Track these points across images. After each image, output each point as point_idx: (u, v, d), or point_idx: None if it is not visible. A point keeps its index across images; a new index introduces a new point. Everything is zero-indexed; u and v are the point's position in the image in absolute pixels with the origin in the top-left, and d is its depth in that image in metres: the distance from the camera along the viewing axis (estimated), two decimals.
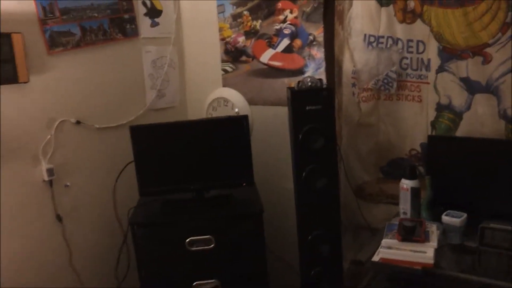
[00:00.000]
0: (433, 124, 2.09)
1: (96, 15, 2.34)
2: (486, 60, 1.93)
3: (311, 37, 2.36)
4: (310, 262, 2.09)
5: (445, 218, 1.77)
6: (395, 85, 2.13)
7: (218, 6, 2.63)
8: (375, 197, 2.31)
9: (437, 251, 1.64)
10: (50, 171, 2.17)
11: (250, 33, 2.55)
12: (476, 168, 1.90)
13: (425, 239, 1.67)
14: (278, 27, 2.45)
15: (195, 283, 2.12)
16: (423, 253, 1.62)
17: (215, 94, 2.71)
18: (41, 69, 2.14)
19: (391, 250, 1.66)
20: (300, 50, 2.40)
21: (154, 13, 2.63)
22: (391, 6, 2.10)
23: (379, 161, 2.28)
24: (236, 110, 2.62)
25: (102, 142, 2.41)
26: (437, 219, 1.83)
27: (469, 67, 1.97)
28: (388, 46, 2.13)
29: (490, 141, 1.91)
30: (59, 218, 2.23)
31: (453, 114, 2.03)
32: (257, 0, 2.49)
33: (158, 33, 2.66)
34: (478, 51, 1.94)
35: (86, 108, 2.33)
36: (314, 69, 2.37)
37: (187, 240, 2.08)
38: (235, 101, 2.63)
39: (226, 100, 2.66)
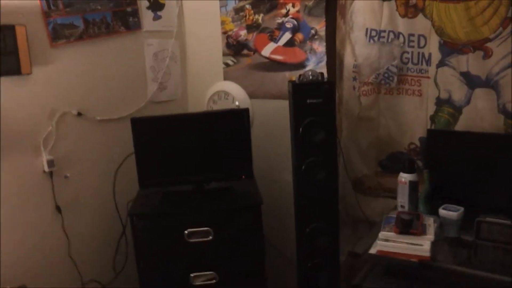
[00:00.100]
0: (433, 119, 2.09)
1: (99, 7, 2.35)
2: (487, 54, 1.92)
3: (313, 31, 2.36)
4: (308, 254, 2.10)
5: (442, 212, 1.77)
6: (395, 79, 2.13)
7: (221, 0, 2.64)
8: (373, 190, 2.31)
9: (434, 244, 1.64)
10: (50, 162, 2.19)
11: (252, 27, 2.56)
12: (474, 162, 1.90)
13: (422, 232, 1.67)
14: (280, 21, 2.45)
15: (192, 275, 2.13)
16: (420, 246, 1.62)
17: (216, 87, 2.72)
18: (44, 61, 2.15)
19: (388, 242, 1.66)
20: (302, 44, 2.41)
21: (156, 6, 2.64)
22: (393, 1, 2.10)
23: (378, 155, 2.28)
24: (237, 103, 2.62)
25: (103, 134, 2.42)
26: (434, 212, 1.84)
27: (469, 62, 1.97)
28: (390, 40, 2.13)
29: (489, 136, 1.91)
30: (58, 209, 2.25)
31: (452, 108, 2.03)
32: None
33: (160, 26, 2.67)
34: (479, 45, 1.93)
35: (88, 100, 2.35)
36: (316, 63, 2.37)
37: (186, 231, 2.09)
38: (236, 95, 2.63)
39: (227, 94, 2.67)
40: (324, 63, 2.35)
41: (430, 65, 2.07)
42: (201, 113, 2.54)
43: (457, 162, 1.94)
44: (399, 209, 1.96)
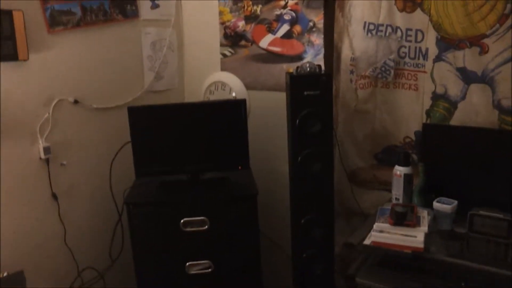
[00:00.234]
0: (428, 113, 2.11)
1: None
2: (483, 50, 1.94)
3: (311, 24, 2.37)
4: (302, 245, 2.12)
5: (436, 205, 1.80)
6: (392, 73, 2.15)
7: None
8: (368, 183, 2.33)
9: (428, 236, 1.67)
10: (47, 149, 2.18)
11: (250, 18, 2.56)
12: (468, 156, 1.93)
13: (416, 223, 1.70)
14: (278, 12, 2.46)
15: (188, 263, 2.15)
16: (414, 238, 1.64)
17: (213, 78, 2.72)
18: (41, 47, 2.14)
19: (382, 233, 1.69)
20: (300, 36, 2.41)
21: None
22: None
23: (374, 148, 2.30)
24: (234, 94, 2.63)
25: (99, 123, 2.42)
26: (428, 205, 1.87)
27: (466, 57, 1.99)
28: (387, 34, 2.14)
29: (483, 131, 1.93)
30: (54, 197, 2.25)
31: (448, 103, 2.06)
32: None
33: (158, 15, 2.66)
34: (476, 41, 1.95)
35: (84, 88, 2.34)
36: (313, 56, 2.38)
37: (182, 221, 2.10)
38: (233, 86, 2.64)
39: (223, 84, 2.67)
40: (321, 55, 2.36)
41: (427, 60, 2.09)
42: (199, 103, 2.55)
43: (451, 156, 1.97)
44: (394, 201, 1.99)
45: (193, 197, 2.19)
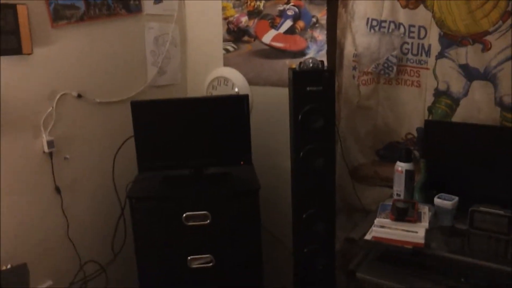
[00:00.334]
0: (431, 109, 2.12)
1: None
2: (486, 47, 1.95)
3: (314, 19, 2.37)
4: (304, 240, 2.13)
5: (437, 201, 1.81)
6: (395, 69, 2.15)
7: None
8: (370, 179, 2.34)
9: (428, 232, 1.68)
10: (50, 143, 2.19)
11: (253, 13, 2.56)
12: (470, 153, 1.93)
13: (417, 219, 1.71)
14: (281, 8, 2.46)
15: (190, 257, 2.16)
16: (415, 233, 1.65)
17: (215, 73, 2.73)
18: (45, 41, 2.14)
19: (383, 229, 1.70)
20: (303, 32, 2.42)
21: None
22: None
23: (376, 144, 2.31)
24: (236, 89, 2.63)
25: (102, 117, 2.43)
26: (429, 201, 1.87)
27: (468, 54, 1.99)
28: (390, 30, 2.15)
29: (485, 128, 1.94)
30: (58, 190, 2.26)
31: (450, 100, 2.06)
32: None
33: (161, 10, 2.66)
34: (478, 38, 1.96)
35: (88, 82, 2.35)
36: (316, 51, 2.39)
37: (184, 215, 2.12)
38: (236, 81, 2.65)
39: (226, 80, 2.68)
40: (324, 51, 2.36)
41: (429, 57, 2.09)
42: (202, 98, 2.56)
43: (453, 153, 1.97)
44: (395, 197, 2.00)
45: (195, 192, 2.20)
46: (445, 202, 1.78)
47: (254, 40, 2.59)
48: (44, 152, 2.19)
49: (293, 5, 2.42)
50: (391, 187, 2.06)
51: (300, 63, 2.06)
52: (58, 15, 2.19)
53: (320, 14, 2.35)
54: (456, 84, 2.04)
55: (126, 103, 2.27)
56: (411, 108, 2.17)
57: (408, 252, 1.64)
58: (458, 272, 1.62)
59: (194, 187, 2.24)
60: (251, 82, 2.63)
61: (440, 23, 2.03)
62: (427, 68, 2.10)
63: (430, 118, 2.12)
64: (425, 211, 1.79)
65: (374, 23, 2.18)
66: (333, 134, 2.07)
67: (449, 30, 2.02)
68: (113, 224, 2.47)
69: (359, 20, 2.22)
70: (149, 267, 2.18)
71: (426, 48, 2.09)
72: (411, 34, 2.12)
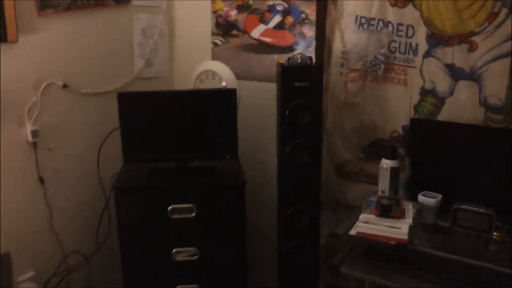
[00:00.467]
0: (416, 108, 2.14)
1: None
2: (472, 48, 1.97)
3: (303, 15, 2.37)
4: (288, 235, 2.15)
5: (421, 198, 1.83)
6: (382, 67, 2.17)
7: None
8: (355, 175, 2.36)
9: (412, 229, 1.71)
10: (34, 133, 2.16)
11: (243, 7, 2.56)
12: (454, 152, 1.96)
13: (401, 215, 1.74)
14: (271, 3, 2.46)
15: (174, 250, 2.16)
16: (398, 229, 1.68)
17: (203, 67, 2.71)
18: (31, 30, 2.11)
19: (368, 224, 1.72)
20: (292, 28, 2.42)
21: None
22: None
23: (362, 141, 2.33)
24: (224, 83, 2.63)
25: (87, 108, 2.40)
26: (413, 198, 1.90)
27: (454, 54, 2.02)
28: (379, 28, 2.16)
29: (470, 127, 1.97)
30: (41, 180, 2.23)
31: (436, 99, 2.09)
32: None
33: (149, 1, 2.64)
34: (465, 38, 1.98)
35: (74, 72, 2.32)
36: (304, 47, 2.39)
37: (169, 208, 2.11)
38: (223, 75, 2.64)
39: (214, 73, 2.67)
40: (313, 47, 2.37)
41: (416, 55, 2.11)
42: (189, 91, 2.55)
43: (437, 151, 2.00)
44: (380, 194, 2.02)
45: (181, 184, 2.20)
46: (429, 199, 1.81)
47: (243, 34, 2.59)
48: (28, 142, 2.16)
49: (283, 1, 2.42)
50: (376, 184, 2.08)
51: (289, 58, 2.06)
52: (45, 4, 2.16)
53: (310, 10, 2.35)
54: (442, 84, 2.06)
55: (112, 94, 2.25)
56: (397, 106, 2.19)
57: (391, 248, 1.67)
58: (439, 268, 1.65)
59: (180, 180, 2.24)
60: (239, 77, 2.63)
61: (428, 23, 2.06)
62: (414, 67, 2.13)
63: (415, 116, 2.14)
64: (409, 208, 1.81)
65: (363, 20, 2.19)
66: (320, 130, 2.09)
67: (437, 29, 2.04)
68: (98, 215, 2.46)
69: (348, 17, 2.23)
70: (133, 259, 2.18)
71: (414, 47, 2.11)
72: (399, 33, 2.14)
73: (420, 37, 2.09)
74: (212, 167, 2.31)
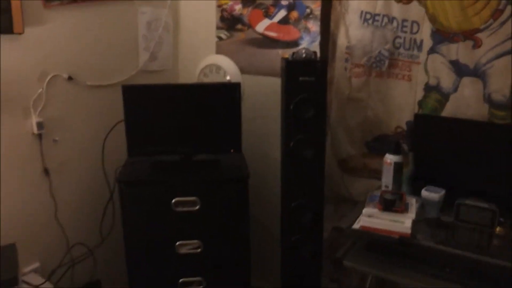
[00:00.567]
0: (420, 104, 2.15)
1: None
2: (477, 44, 1.98)
3: (308, 10, 2.38)
4: (291, 229, 2.16)
5: (424, 193, 1.85)
6: (386, 63, 2.18)
7: None
8: (358, 170, 2.38)
9: (415, 223, 1.72)
10: (39, 125, 2.17)
11: (248, 2, 2.56)
12: (457, 147, 1.98)
13: (404, 209, 1.75)
14: None
15: (178, 243, 2.17)
16: (401, 223, 1.69)
17: (207, 61, 2.71)
18: (37, 21, 2.11)
19: (371, 218, 1.73)
20: (296, 22, 2.43)
21: None
22: None
23: (365, 136, 2.34)
24: (228, 78, 2.63)
25: (92, 100, 2.41)
26: (417, 193, 1.91)
27: (459, 51, 2.02)
28: (383, 24, 2.17)
29: (473, 123, 1.98)
30: (46, 172, 2.24)
31: (440, 95, 2.10)
32: None
33: None
34: (470, 35, 1.99)
35: (79, 64, 2.32)
36: (309, 42, 2.40)
37: (173, 200, 2.12)
38: (228, 69, 2.64)
39: (218, 67, 2.67)
40: (317, 42, 2.38)
41: (421, 51, 2.12)
42: (194, 85, 2.55)
43: (441, 147, 2.01)
44: (383, 188, 2.03)
45: (185, 177, 2.21)
46: (432, 194, 1.82)
47: (248, 28, 2.59)
48: (33, 133, 2.17)
49: None
50: (379, 179, 2.09)
51: (293, 53, 2.07)
52: None
53: (314, 5, 2.36)
54: (446, 80, 2.07)
55: (117, 87, 2.26)
56: (402, 102, 2.20)
57: (394, 242, 1.68)
58: (443, 262, 1.67)
59: (184, 173, 2.25)
60: (243, 71, 2.63)
61: (432, 19, 2.06)
62: (418, 63, 2.13)
63: (420, 112, 2.15)
64: (413, 202, 1.83)
65: (368, 16, 2.20)
66: (324, 125, 2.10)
67: (441, 26, 2.05)
68: (102, 208, 2.46)
69: (353, 12, 2.23)
70: (137, 252, 2.19)
71: (418, 43, 2.12)
72: (404, 29, 2.14)
73: (425, 33, 2.09)
74: (216, 161, 2.32)
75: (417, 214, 1.77)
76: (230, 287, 2.29)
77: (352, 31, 2.25)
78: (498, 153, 1.86)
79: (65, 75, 2.27)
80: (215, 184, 2.19)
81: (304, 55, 2.05)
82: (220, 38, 2.70)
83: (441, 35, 2.06)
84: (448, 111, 2.08)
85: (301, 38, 2.43)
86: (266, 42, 2.54)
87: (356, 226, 1.76)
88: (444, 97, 2.09)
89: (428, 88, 2.12)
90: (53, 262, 2.31)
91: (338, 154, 2.39)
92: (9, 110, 2.06)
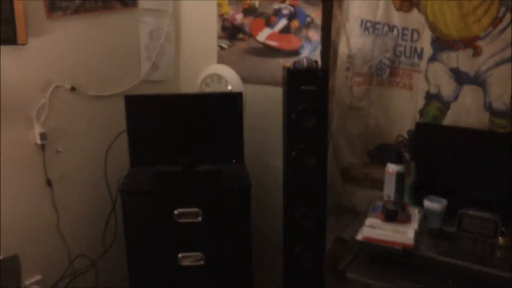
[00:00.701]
0: (421, 112, 2.14)
1: None
2: (477, 52, 1.98)
3: (309, 19, 2.38)
4: (294, 239, 2.15)
5: (426, 203, 1.84)
6: (387, 71, 2.18)
7: None
8: (360, 180, 2.37)
9: (417, 234, 1.71)
10: (42, 135, 2.18)
11: (249, 11, 2.57)
12: (459, 156, 1.97)
13: (407, 220, 1.74)
14: (277, 6, 2.47)
15: (180, 255, 2.17)
16: (404, 234, 1.69)
17: (209, 70, 2.72)
18: (40, 32, 2.13)
19: (374, 229, 1.73)
20: (297, 31, 2.43)
21: None
22: None
23: (367, 145, 2.33)
24: (229, 87, 2.64)
25: (95, 110, 2.42)
26: (419, 203, 1.90)
27: (459, 59, 2.02)
28: (384, 32, 2.17)
29: (474, 132, 1.97)
30: (49, 183, 2.25)
31: (441, 103, 2.09)
32: None
33: (156, 4, 2.65)
34: (470, 43, 1.99)
35: (81, 75, 2.34)
36: (310, 51, 2.40)
37: (176, 212, 2.12)
38: (229, 78, 2.64)
39: (219, 77, 2.68)
40: (318, 51, 2.38)
41: (421, 60, 2.11)
42: (196, 95, 2.56)
43: (443, 156, 2.01)
44: (385, 198, 2.02)
45: (187, 188, 2.21)
46: (434, 204, 1.81)
47: (249, 38, 2.60)
48: (36, 144, 2.18)
49: (289, 4, 2.43)
50: (381, 188, 2.08)
51: (295, 62, 2.07)
52: (54, 6, 2.18)
53: (315, 14, 2.36)
54: (447, 88, 2.07)
55: (119, 97, 2.27)
56: (403, 111, 2.20)
57: (397, 253, 1.67)
58: (445, 273, 1.65)
59: (186, 183, 2.25)
60: (244, 80, 2.63)
61: (432, 27, 2.06)
62: (419, 71, 2.13)
63: (421, 120, 2.15)
64: (415, 213, 1.82)
65: (368, 24, 2.20)
66: (325, 134, 2.10)
67: (441, 34, 2.05)
68: (104, 219, 2.47)
69: (353, 21, 2.24)
70: (140, 264, 2.19)
71: (419, 51, 2.12)
72: (404, 37, 2.14)
73: (425, 41, 2.09)
74: (218, 171, 2.32)
75: (420, 224, 1.76)
76: None
77: (353, 40, 2.26)
78: (499, 161, 1.86)
79: (68, 86, 2.28)
80: (217, 194, 2.19)
81: (305, 64, 2.06)
82: (221, 48, 2.71)
83: (441, 43, 2.06)
84: (449, 119, 2.08)
85: (302, 47, 2.43)
86: (267, 51, 2.55)
87: (359, 237, 1.75)
88: (445, 105, 2.08)
89: (429, 97, 2.12)
90: (55, 274, 2.31)
91: (340, 163, 2.38)
92: (12, 120, 2.08)
